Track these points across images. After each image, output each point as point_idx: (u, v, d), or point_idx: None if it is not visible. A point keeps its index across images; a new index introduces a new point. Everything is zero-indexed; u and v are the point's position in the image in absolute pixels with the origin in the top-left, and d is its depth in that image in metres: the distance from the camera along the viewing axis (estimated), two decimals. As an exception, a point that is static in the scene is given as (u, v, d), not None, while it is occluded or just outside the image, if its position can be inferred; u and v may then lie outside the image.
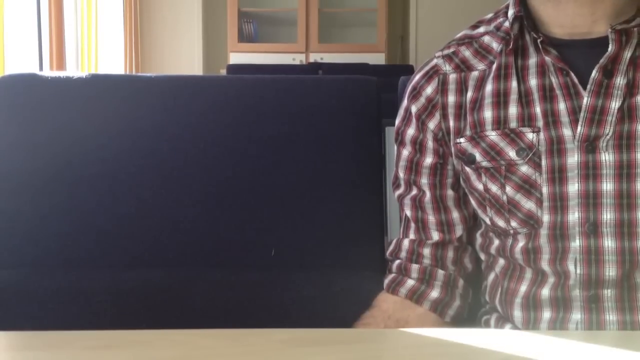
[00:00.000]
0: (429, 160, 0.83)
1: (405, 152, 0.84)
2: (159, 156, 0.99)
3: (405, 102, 0.85)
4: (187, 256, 0.97)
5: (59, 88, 1.02)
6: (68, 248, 0.97)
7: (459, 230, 0.84)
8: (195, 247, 0.97)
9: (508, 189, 0.76)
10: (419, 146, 0.83)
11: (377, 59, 4.76)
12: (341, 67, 3.82)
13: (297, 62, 4.88)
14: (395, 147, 0.86)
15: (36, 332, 0.46)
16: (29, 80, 1.03)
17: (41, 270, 0.96)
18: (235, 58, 4.84)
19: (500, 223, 0.78)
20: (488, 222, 0.80)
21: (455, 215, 0.83)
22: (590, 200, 0.72)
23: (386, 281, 0.86)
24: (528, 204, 0.75)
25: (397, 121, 0.86)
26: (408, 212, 0.86)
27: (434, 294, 0.83)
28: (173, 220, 0.98)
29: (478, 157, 0.78)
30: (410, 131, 0.84)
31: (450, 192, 0.83)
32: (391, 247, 0.88)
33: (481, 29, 0.83)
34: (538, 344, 0.47)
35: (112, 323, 0.93)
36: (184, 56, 4.93)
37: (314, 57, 4.87)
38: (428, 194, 0.83)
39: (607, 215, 0.71)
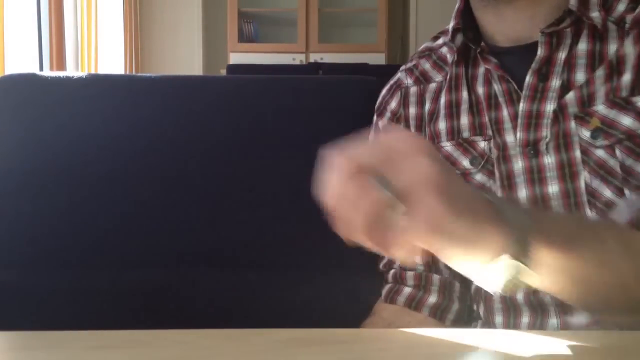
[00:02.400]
0: None
1: None
2: (159, 156, 0.99)
3: (375, 117, 0.87)
4: (187, 256, 0.97)
5: (59, 88, 1.02)
6: (68, 248, 0.97)
7: None
8: (195, 247, 0.97)
9: None
10: None
11: (377, 59, 4.76)
12: (341, 67, 3.81)
13: (297, 62, 4.88)
14: None
15: (36, 332, 0.46)
16: (29, 80, 1.03)
17: (41, 270, 0.96)
18: (235, 58, 4.84)
19: None
20: None
21: None
22: (539, 205, 0.72)
23: (384, 291, 0.86)
24: None
25: (370, 136, 0.87)
26: None
27: (432, 299, 0.82)
28: (173, 220, 0.98)
29: None
30: None
31: None
32: (384, 259, 0.88)
33: (440, 41, 0.84)
34: (539, 344, 0.47)
35: (112, 323, 0.93)
36: (184, 56, 4.93)
37: (314, 57, 4.87)
38: None
39: None
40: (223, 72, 4.46)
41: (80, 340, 0.45)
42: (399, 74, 0.85)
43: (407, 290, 0.83)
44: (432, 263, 0.83)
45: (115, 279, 0.96)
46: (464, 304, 0.85)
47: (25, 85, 1.02)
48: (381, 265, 0.88)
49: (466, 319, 0.86)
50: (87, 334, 0.45)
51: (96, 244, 0.97)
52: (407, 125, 0.82)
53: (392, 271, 0.86)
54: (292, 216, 0.97)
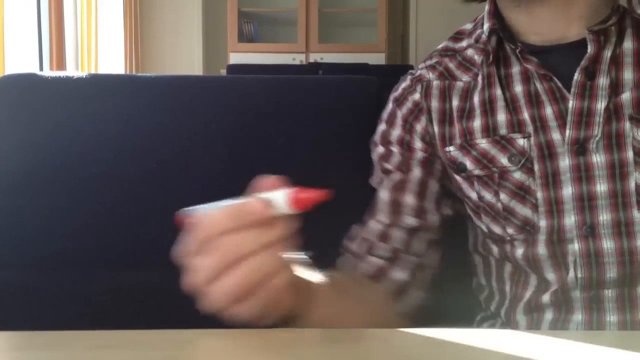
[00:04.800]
0: (419, 155, 0.82)
1: (395, 150, 0.83)
2: (159, 156, 0.99)
3: (390, 107, 0.85)
4: (187, 256, 0.97)
5: (59, 88, 1.02)
6: (68, 248, 0.97)
7: (435, 220, 0.80)
8: (195, 247, 0.97)
9: (502, 196, 0.76)
10: (406, 146, 0.82)
11: (377, 59, 4.76)
12: (341, 67, 3.82)
13: (297, 62, 4.88)
14: (379, 148, 0.84)
15: (36, 332, 0.46)
16: (29, 80, 1.03)
17: (41, 270, 0.96)
18: (235, 58, 4.84)
19: (497, 230, 0.77)
20: (484, 229, 0.80)
21: (431, 206, 0.80)
22: (585, 203, 0.72)
23: (341, 261, 0.80)
24: (524, 210, 0.75)
25: (382, 126, 0.85)
26: (384, 194, 0.81)
27: (399, 275, 0.76)
28: (173, 219, 0.98)
29: (469, 165, 0.78)
30: (396, 132, 0.83)
31: (435, 185, 0.81)
32: (352, 233, 0.81)
33: (464, 43, 0.83)
34: (539, 344, 0.47)
35: (112, 323, 0.93)
36: (184, 56, 4.93)
37: (314, 57, 4.87)
38: (415, 177, 0.80)
39: (604, 217, 0.71)
40: (223, 72, 4.46)
41: (80, 340, 0.45)
42: (419, 71, 0.84)
43: (375, 260, 0.78)
44: (410, 244, 0.79)
45: (115, 279, 0.96)
46: (422, 299, 0.79)
47: (25, 85, 1.02)
48: (346, 240, 0.83)
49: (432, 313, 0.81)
50: (87, 334, 0.45)
51: (96, 244, 0.97)
52: (430, 118, 0.81)
53: (361, 242, 0.80)
54: (292, 216, 0.97)
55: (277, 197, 0.50)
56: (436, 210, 0.81)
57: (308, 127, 1.00)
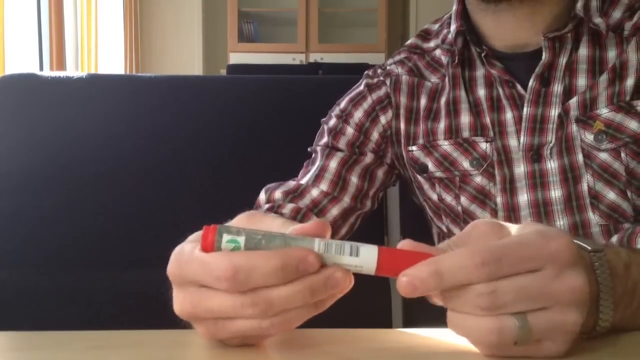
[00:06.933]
0: (372, 146, 0.81)
1: (350, 131, 0.81)
2: (159, 156, 0.99)
3: (360, 89, 0.83)
4: (187, 256, 0.97)
5: (59, 88, 1.02)
6: (68, 248, 0.97)
7: (367, 206, 0.81)
8: (195, 247, 0.97)
9: (463, 199, 0.76)
10: (363, 133, 0.81)
11: (377, 59, 4.76)
12: (341, 67, 3.81)
13: (297, 62, 4.88)
14: (334, 121, 0.82)
15: (36, 332, 0.46)
16: (29, 80, 1.03)
17: (41, 270, 0.96)
18: (235, 58, 4.84)
19: (457, 231, 0.77)
20: (445, 229, 0.80)
21: (372, 193, 0.81)
22: (541, 209, 0.72)
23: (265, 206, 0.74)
24: (483, 214, 0.75)
25: (345, 103, 0.83)
26: (333, 163, 0.79)
27: None
28: (173, 219, 0.98)
29: (431, 166, 0.78)
30: (359, 115, 0.82)
31: (380, 177, 0.81)
32: (284, 188, 0.78)
33: (431, 43, 0.83)
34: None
35: (112, 323, 0.93)
36: (184, 56, 4.93)
37: (314, 57, 4.88)
38: (366, 162, 0.80)
39: (560, 222, 0.72)
40: (223, 72, 4.47)
41: (80, 340, 0.45)
42: (388, 67, 0.84)
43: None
44: (337, 227, 0.78)
45: (115, 279, 0.96)
46: None
47: (25, 85, 1.02)
48: (280, 192, 0.78)
49: None
50: (87, 334, 0.45)
51: (96, 244, 0.97)
52: (397, 113, 0.81)
53: (291, 205, 0.76)
54: (292, 216, 0.97)
55: (365, 253, 0.41)
56: (372, 199, 0.81)
57: (308, 127, 1.00)
